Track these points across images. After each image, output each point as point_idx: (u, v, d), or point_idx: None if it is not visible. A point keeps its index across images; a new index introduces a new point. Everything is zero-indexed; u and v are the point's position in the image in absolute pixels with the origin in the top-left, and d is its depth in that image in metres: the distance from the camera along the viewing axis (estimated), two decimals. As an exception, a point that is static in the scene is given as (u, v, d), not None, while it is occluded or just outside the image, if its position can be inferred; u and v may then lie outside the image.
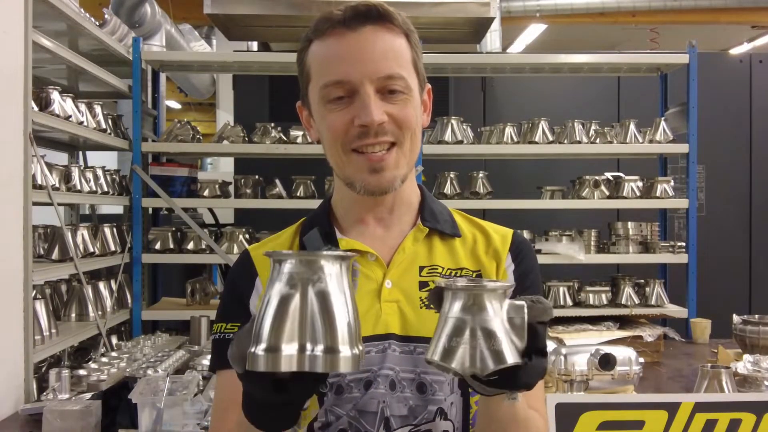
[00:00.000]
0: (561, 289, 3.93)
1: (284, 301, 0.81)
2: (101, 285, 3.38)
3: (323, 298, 0.82)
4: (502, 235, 1.22)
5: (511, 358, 0.85)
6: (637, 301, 3.95)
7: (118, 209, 4.36)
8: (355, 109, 1.09)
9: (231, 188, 4.07)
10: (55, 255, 2.98)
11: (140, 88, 3.80)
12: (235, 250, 3.77)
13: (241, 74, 4.87)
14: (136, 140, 3.77)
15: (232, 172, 4.87)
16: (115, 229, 3.63)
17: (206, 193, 3.94)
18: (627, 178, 4.02)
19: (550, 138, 3.97)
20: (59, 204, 3.00)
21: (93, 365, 2.57)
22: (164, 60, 4.21)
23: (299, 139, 3.89)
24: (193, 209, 4.69)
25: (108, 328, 3.32)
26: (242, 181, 3.97)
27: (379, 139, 1.10)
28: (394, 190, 1.14)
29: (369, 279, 1.15)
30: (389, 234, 1.19)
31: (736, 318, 2.97)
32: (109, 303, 3.39)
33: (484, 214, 4.08)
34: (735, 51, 7.93)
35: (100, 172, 3.55)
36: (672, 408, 1.14)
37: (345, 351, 0.81)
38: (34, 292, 2.74)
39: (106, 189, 3.56)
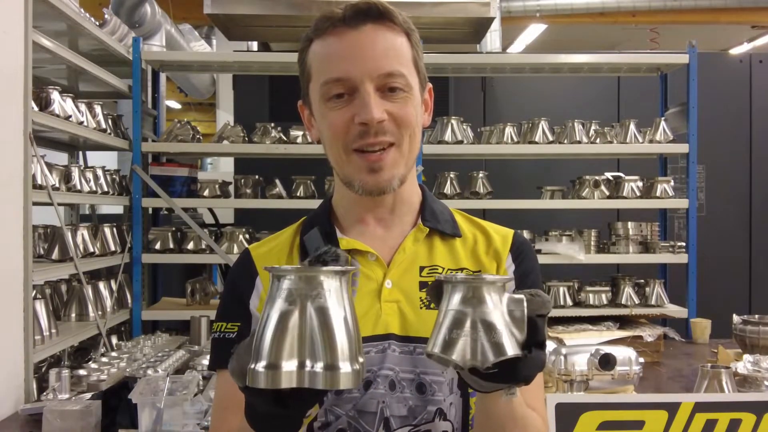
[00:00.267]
0: (561, 289, 3.93)
1: (284, 318, 0.82)
2: (101, 285, 3.38)
3: (323, 314, 0.82)
4: (502, 235, 1.22)
5: (511, 350, 0.85)
6: (637, 301, 3.95)
7: (118, 209, 4.36)
8: (355, 107, 1.09)
9: (231, 188, 4.07)
10: (55, 255, 2.98)
11: (140, 88, 3.80)
12: (235, 250, 3.77)
13: (241, 74, 4.87)
14: (136, 140, 3.77)
15: (232, 172, 4.86)
16: (115, 229, 3.63)
17: (206, 193, 3.94)
18: (627, 178, 4.02)
19: (550, 138, 3.97)
20: (59, 204, 3.00)
21: (93, 365, 2.57)
22: (164, 60, 4.21)
23: (299, 139, 3.89)
24: (193, 209, 4.69)
25: (108, 328, 3.32)
26: (242, 181, 3.97)
27: (379, 138, 1.10)
28: (392, 190, 1.13)
29: (369, 279, 1.15)
30: (390, 234, 1.19)
31: (736, 318, 2.97)
32: (109, 303, 3.39)
33: (484, 214, 4.08)
34: (735, 51, 7.92)
35: (100, 172, 3.55)
36: (672, 408, 1.14)
37: (345, 367, 0.81)
38: (34, 292, 2.74)
39: (106, 189, 3.56)
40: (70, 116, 3.07)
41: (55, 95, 2.95)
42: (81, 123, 3.20)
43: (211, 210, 4.55)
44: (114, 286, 3.51)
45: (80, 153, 4.12)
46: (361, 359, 0.84)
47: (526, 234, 3.80)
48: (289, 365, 0.80)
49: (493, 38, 5.47)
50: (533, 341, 0.87)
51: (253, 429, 0.91)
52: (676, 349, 3.30)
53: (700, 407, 1.15)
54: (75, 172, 3.28)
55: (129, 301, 3.72)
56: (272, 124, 3.97)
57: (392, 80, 1.10)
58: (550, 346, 2.44)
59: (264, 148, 3.89)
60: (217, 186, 3.97)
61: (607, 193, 4.02)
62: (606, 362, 2.24)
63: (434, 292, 0.91)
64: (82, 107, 3.26)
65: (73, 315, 3.19)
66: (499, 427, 1.02)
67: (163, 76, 4.43)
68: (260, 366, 0.81)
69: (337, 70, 1.09)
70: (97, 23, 3.61)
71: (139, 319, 3.69)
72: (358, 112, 1.08)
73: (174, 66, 4.45)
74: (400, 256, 1.17)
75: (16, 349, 2.51)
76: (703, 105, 3.99)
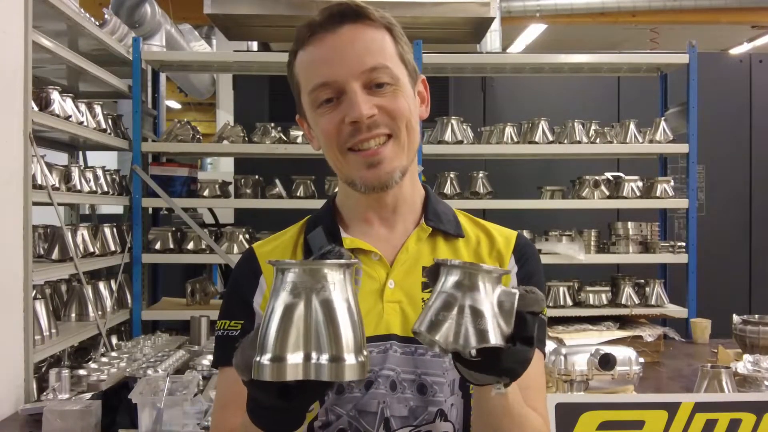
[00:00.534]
0: (561, 289, 3.93)
1: (288, 310, 0.82)
2: (101, 285, 3.38)
3: (327, 306, 0.82)
4: (506, 237, 1.22)
5: (494, 339, 0.86)
6: (637, 301, 3.95)
7: (118, 209, 4.36)
8: (343, 108, 1.09)
9: (231, 188, 4.07)
10: (55, 255, 2.98)
11: (140, 88, 3.80)
12: (235, 250, 3.77)
13: (241, 74, 4.87)
14: (136, 140, 3.77)
15: (232, 172, 4.87)
16: (115, 229, 3.63)
17: (206, 193, 3.94)
18: (627, 178, 4.02)
19: (550, 138, 3.97)
20: (59, 204, 3.00)
21: (93, 365, 2.57)
22: (164, 60, 4.21)
23: (299, 139, 3.89)
24: (193, 209, 4.69)
25: (108, 328, 3.32)
26: (242, 181, 3.97)
27: (373, 132, 1.10)
28: (395, 183, 1.13)
29: (372, 279, 1.15)
30: (393, 233, 1.19)
31: (736, 318, 2.97)
32: (109, 303, 3.39)
33: (485, 214, 4.07)
34: (735, 51, 7.93)
35: (100, 172, 3.55)
36: (672, 408, 1.15)
37: (350, 359, 0.82)
38: (34, 292, 2.74)
39: (106, 189, 3.56)
40: (70, 116, 3.07)
41: (55, 95, 2.95)
42: (81, 123, 3.20)
43: (211, 210, 4.55)
44: (114, 286, 3.51)
45: (80, 153, 4.12)
46: (365, 352, 0.84)
47: (526, 234, 3.80)
48: (294, 357, 0.81)
49: (493, 38, 5.47)
50: (519, 336, 0.88)
51: (256, 425, 0.91)
52: (676, 349, 3.30)
53: (700, 407, 1.15)
54: (75, 172, 3.28)
55: (129, 301, 3.72)
56: (272, 124, 3.97)
57: (377, 75, 1.09)
58: (550, 346, 2.44)
59: (264, 148, 3.89)
60: (217, 186, 3.97)
61: (607, 193, 4.02)
62: (606, 362, 2.24)
63: (432, 273, 0.92)
64: (82, 107, 3.26)
65: (73, 315, 3.19)
66: (496, 424, 1.02)
67: (163, 76, 4.43)
68: (265, 358, 0.81)
69: (321, 75, 1.10)
70: (97, 23, 3.62)
71: (139, 319, 3.69)
72: (347, 113, 1.09)
73: (174, 66, 4.45)
74: (403, 256, 1.17)
75: (16, 349, 2.51)
76: (703, 105, 3.99)
